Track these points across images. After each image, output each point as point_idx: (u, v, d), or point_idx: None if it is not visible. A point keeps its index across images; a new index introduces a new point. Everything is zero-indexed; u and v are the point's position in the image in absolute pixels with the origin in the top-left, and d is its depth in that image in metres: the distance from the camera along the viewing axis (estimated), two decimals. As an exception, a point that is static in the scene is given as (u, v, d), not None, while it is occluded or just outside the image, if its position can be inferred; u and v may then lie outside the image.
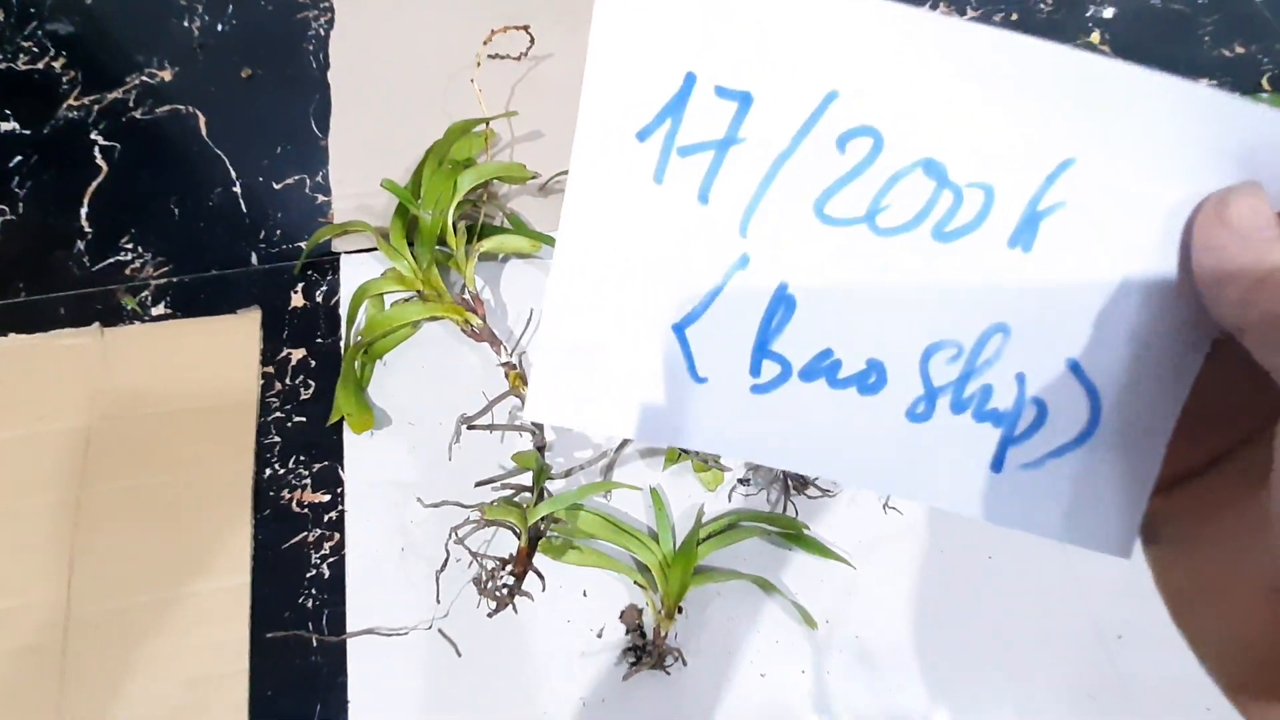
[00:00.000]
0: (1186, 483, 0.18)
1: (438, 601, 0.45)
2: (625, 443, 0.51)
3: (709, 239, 0.20)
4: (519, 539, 0.40)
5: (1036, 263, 0.19)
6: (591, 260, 0.20)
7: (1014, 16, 0.78)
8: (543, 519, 0.42)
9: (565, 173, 0.65)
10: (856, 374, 0.20)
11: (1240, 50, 0.78)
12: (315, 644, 0.45)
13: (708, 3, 0.18)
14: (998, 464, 0.21)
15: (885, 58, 0.18)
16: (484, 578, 0.39)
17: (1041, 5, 0.79)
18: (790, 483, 0.49)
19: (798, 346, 0.20)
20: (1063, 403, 0.20)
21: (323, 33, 0.68)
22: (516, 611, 0.43)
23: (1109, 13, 0.80)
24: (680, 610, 0.46)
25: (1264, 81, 0.75)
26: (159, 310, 0.56)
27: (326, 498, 0.50)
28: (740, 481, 0.50)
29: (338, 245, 0.58)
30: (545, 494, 0.44)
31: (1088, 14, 0.79)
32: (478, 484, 0.46)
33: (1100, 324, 0.19)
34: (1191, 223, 0.17)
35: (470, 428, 0.45)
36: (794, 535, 0.49)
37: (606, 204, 0.20)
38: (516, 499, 0.44)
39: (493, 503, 0.42)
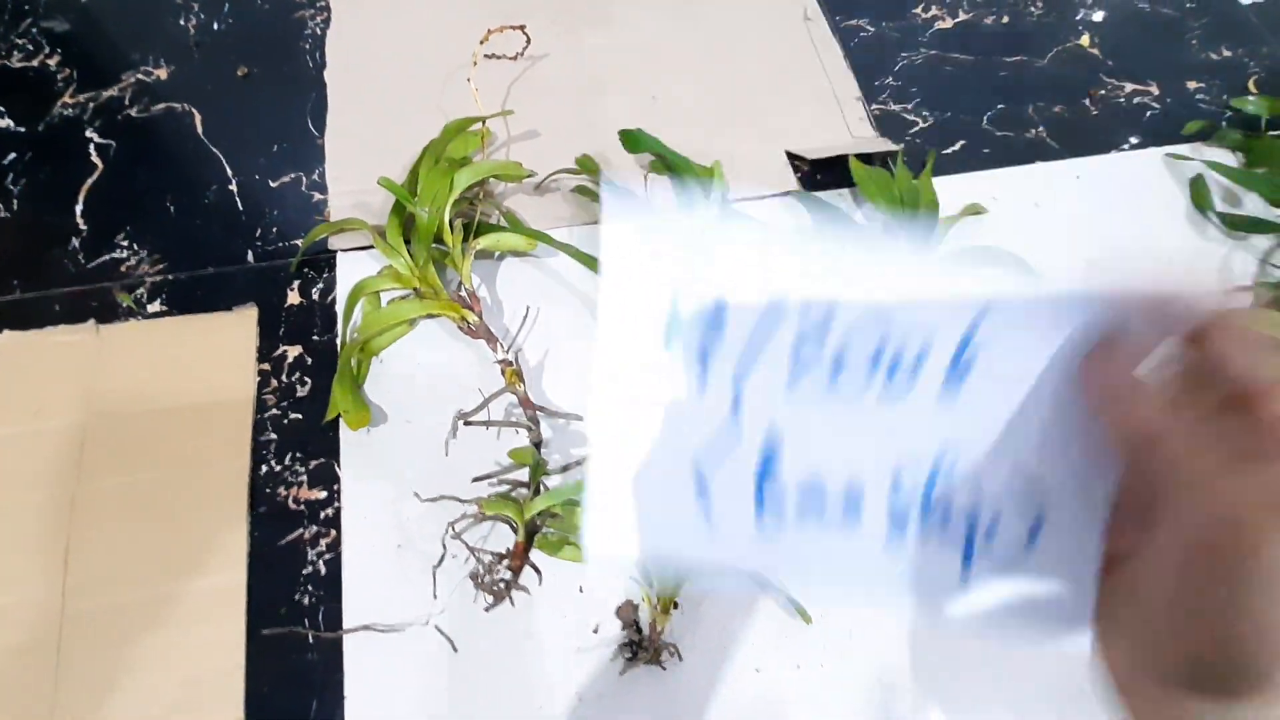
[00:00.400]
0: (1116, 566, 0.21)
1: (434, 597, 0.45)
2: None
3: (709, 418, 0.24)
4: (516, 534, 0.40)
5: (970, 400, 0.23)
6: (620, 450, 0.25)
7: (1005, 19, 0.79)
8: (539, 515, 0.42)
9: (563, 171, 0.65)
10: (840, 505, 0.24)
11: (1227, 54, 0.79)
12: (311, 640, 0.45)
13: (682, 252, 0.23)
14: (964, 577, 0.24)
15: (821, 269, 0.23)
16: (481, 572, 0.39)
17: (1032, 9, 0.80)
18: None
19: (787, 483, 0.24)
20: (1011, 517, 0.24)
21: (319, 32, 0.69)
22: (514, 605, 0.43)
23: (1098, 16, 0.81)
24: (676, 606, 0.46)
25: (1251, 84, 0.76)
26: (155, 307, 0.56)
27: (323, 494, 0.50)
28: None
29: (334, 243, 0.58)
30: (542, 489, 0.44)
31: (1077, 17, 0.80)
32: (474, 479, 0.46)
33: (1032, 446, 0.23)
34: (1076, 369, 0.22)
35: (467, 424, 0.46)
36: (789, 531, 0.50)
37: (627, 400, 0.25)
38: (513, 494, 0.44)
39: (490, 497, 0.42)
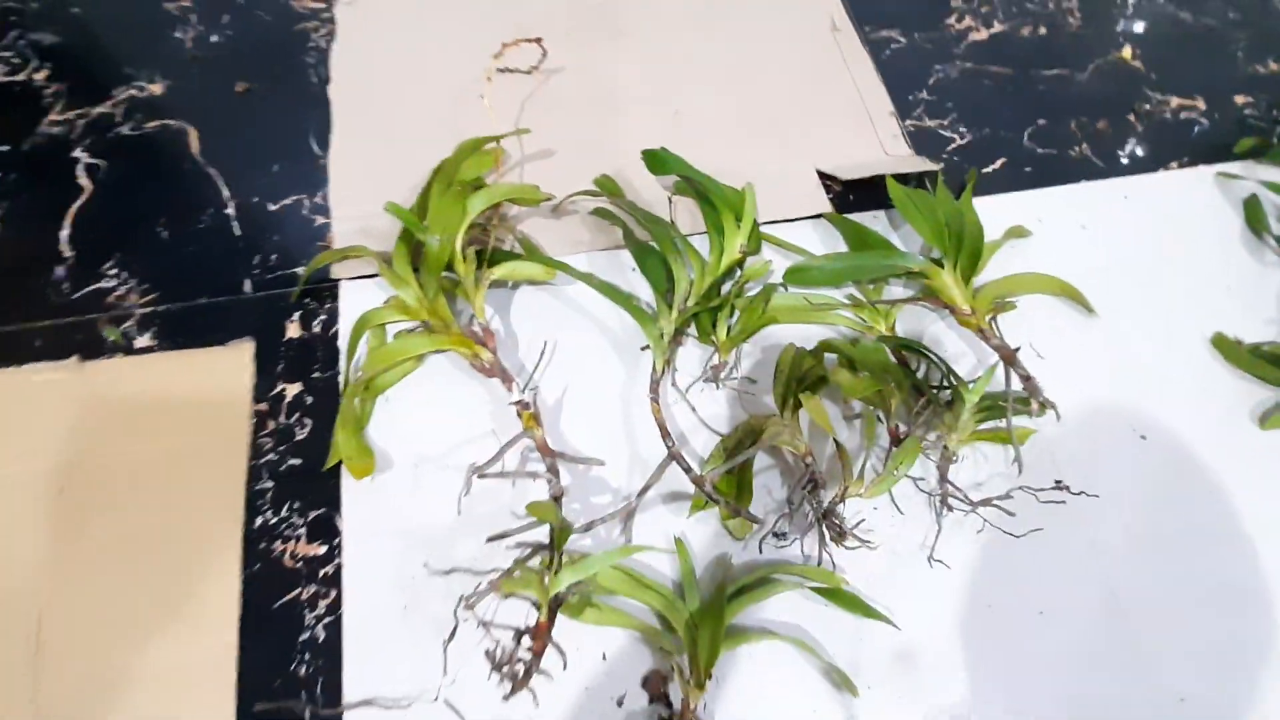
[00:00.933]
0: None
1: (444, 673, 0.41)
2: (646, 488, 0.47)
3: None
4: (539, 611, 0.36)
5: None
6: None
7: (1042, 30, 0.75)
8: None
9: (581, 193, 0.61)
10: None
11: (1275, 66, 0.75)
12: (309, 717, 0.41)
13: None
14: None
15: None
16: (498, 655, 0.35)
17: (1069, 20, 0.76)
18: (826, 531, 0.45)
19: None
20: None
21: (323, 45, 0.65)
22: (536, 699, 0.38)
23: (1139, 27, 0.77)
24: (710, 677, 0.42)
25: (1302, 99, 0.73)
26: (144, 341, 0.52)
27: (322, 550, 0.46)
28: (776, 535, 0.46)
29: (337, 271, 0.54)
30: (564, 555, 0.39)
31: (1118, 28, 0.76)
32: (489, 539, 0.42)
33: None
34: None
35: (482, 476, 0.41)
36: (832, 591, 0.45)
37: None
38: (532, 562, 0.40)
39: (511, 570, 0.37)
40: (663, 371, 0.50)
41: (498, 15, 0.68)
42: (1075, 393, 0.54)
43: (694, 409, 0.51)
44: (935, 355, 0.48)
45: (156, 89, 0.62)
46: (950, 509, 0.47)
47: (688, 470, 0.46)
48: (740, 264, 0.55)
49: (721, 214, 0.53)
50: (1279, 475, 0.53)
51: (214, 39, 0.65)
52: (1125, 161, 0.67)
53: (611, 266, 0.56)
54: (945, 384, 0.48)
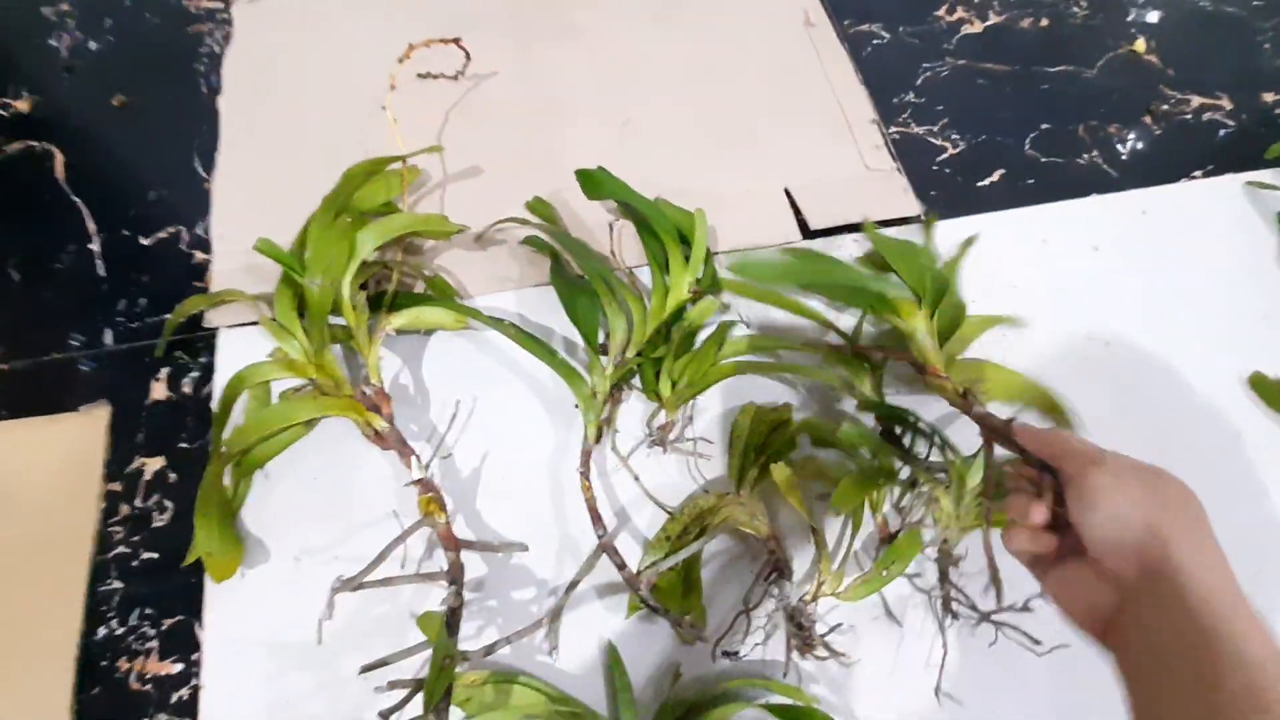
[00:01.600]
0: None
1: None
2: (574, 584, 0.39)
3: None
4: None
5: None
6: None
7: (1044, 22, 0.67)
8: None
9: (507, 220, 0.53)
10: None
11: (1306, 58, 0.67)
12: None
13: None
14: None
15: None
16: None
17: (1075, 9, 0.68)
18: (794, 640, 0.37)
19: None
20: None
21: (217, 50, 0.57)
22: None
23: (1153, 16, 0.68)
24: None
25: (1339, 95, 0.64)
26: (-16, 407, 0.43)
27: (178, 668, 0.38)
28: (725, 654, 0.38)
29: (213, 318, 0.46)
30: (448, 695, 0.31)
31: (1129, 18, 0.68)
32: (363, 669, 0.33)
33: None
34: None
35: (356, 588, 0.33)
36: (799, 711, 0.37)
37: None
38: (416, 697, 0.32)
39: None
40: (596, 439, 0.41)
41: (421, 12, 0.59)
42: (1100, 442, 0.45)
43: (637, 478, 0.43)
44: (930, 426, 0.39)
45: (23, 105, 0.54)
46: (956, 616, 0.38)
47: (621, 567, 0.38)
48: (694, 302, 0.46)
49: (667, 245, 0.45)
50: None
51: (93, 46, 0.56)
52: (1142, 171, 0.58)
53: (546, 306, 0.48)
54: (939, 462, 0.39)
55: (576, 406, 0.43)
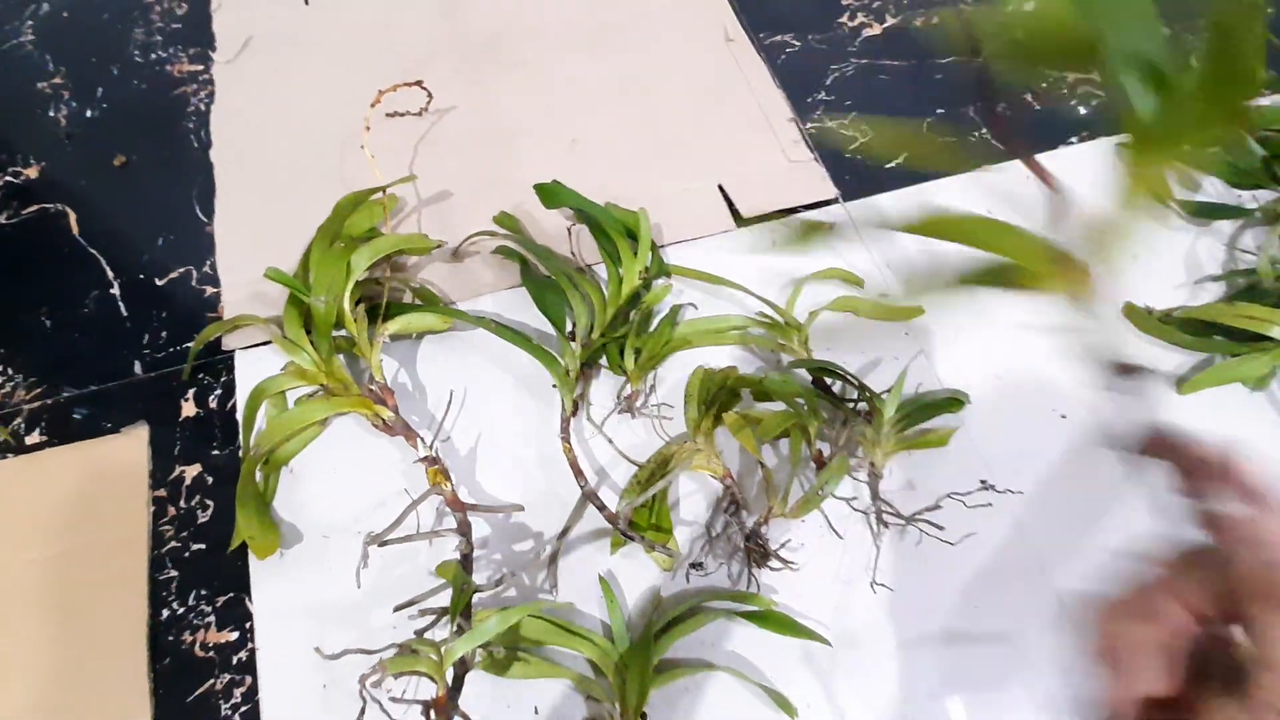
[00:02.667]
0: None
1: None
2: (566, 530, 0.46)
3: None
4: (435, 685, 0.35)
5: None
6: None
7: (935, 20, 0.76)
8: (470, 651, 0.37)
9: (480, 233, 0.60)
10: None
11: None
12: (226, 818, 0.39)
13: None
14: None
15: None
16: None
17: (962, 6, 0.77)
18: (752, 556, 0.44)
19: None
20: None
21: (203, 108, 0.63)
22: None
23: (1030, 6, 0.78)
24: (644, 717, 0.41)
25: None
26: (34, 438, 0.50)
27: (234, 636, 0.44)
28: (693, 566, 0.45)
29: (230, 342, 0.52)
30: (469, 618, 0.38)
31: (1009, 9, 0.77)
32: (396, 608, 0.40)
33: None
34: None
35: (382, 544, 0.40)
36: (762, 614, 0.44)
37: None
38: (439, 627, 0.39)
39: (406, 646, 0.36)
40: (573, 409, 0.49)
41: (381, 59, 0.67)
42: (995, 380, 0.54)
43: (610, 441, 0.50)
44: (848, 373, 0.47)
45: (32, 173, 0.60)
46: (886, 525, 0.46)
47: (602, 509, 0.45)
48: (646, 288, 0.54)
49: (617, 242, 0.52)
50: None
51: (89, 114, 0.63)
52: (1026, 141, 0.67)
53: (520, 305, 0.55)
54: (860, 399, 0.47)
55: (554, 386, 0.51)
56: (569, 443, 0.47)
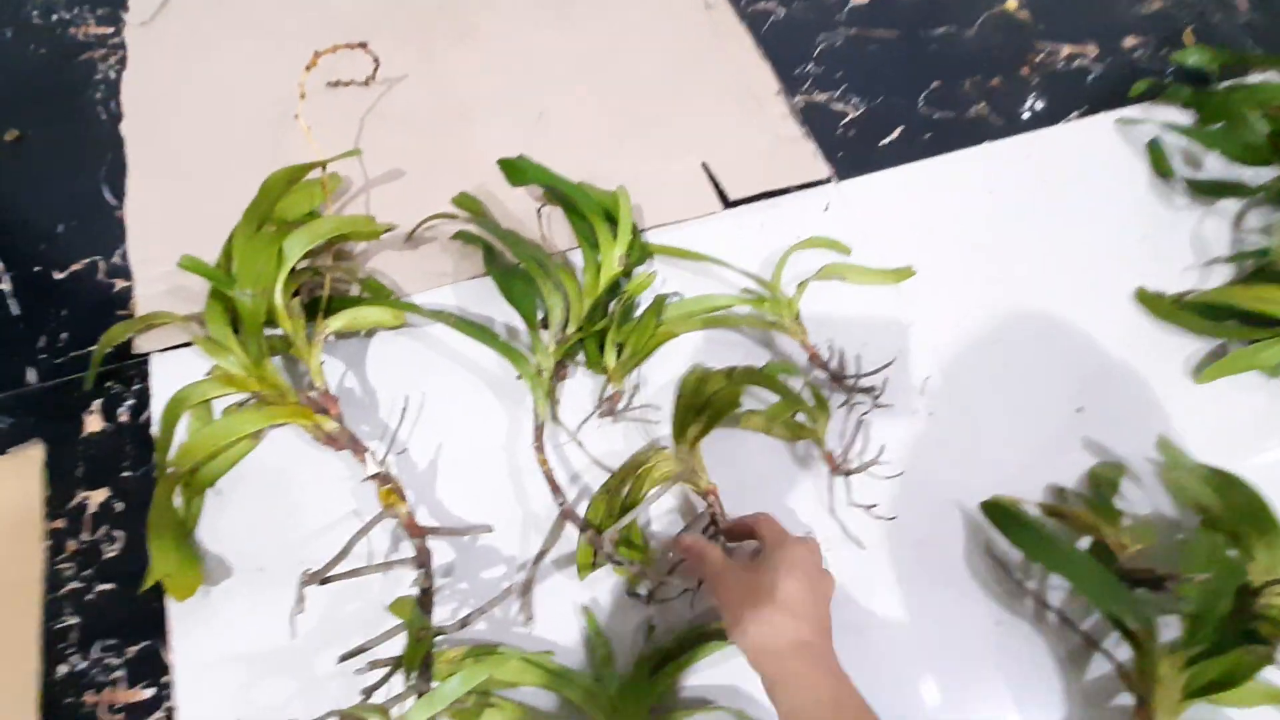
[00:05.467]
0: None
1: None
2: (542, 554, 0.40)
3: None
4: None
5: None
6: None
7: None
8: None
9: (437, 216, 0.54)
10: None
11: (1156, 5, 0.73)
12: None
13: None
14: None
15: None
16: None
17: (951, -26, 0.73)
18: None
19: None
20: None
21: (113, 76, 0.55)
22: None
23: (1021, -24, 0.74)
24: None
25: (1186, 35, 0.71)
26: (-97, 461, 0.42)
27: (148, 693, 0.37)
28: (631, 595, 0.40)
29: (143, 344, 0.45)
30: (429, 670, 0.32)
31: (1000, -21, 0.73)
32: (342, 657, 0.34)
33: None
34: None
35: (323, 582, 0.34)
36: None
37: None
38: (386, 685, 0.32)
39: (350, 716, 0.29)
40: (547, 414, 0.43)
41: (321, 23, 0.59)
42: (1008, 371, 0.49)
43: (580, 444, 0.44)
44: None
45: (-95, 149, 0.51)
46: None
47: (584, 529, 0.39)
48: (627, 276, 0.48)
49: (594, 224, 0.46)
50: (1219, 428, 0.49)
51: (-24, 81, 0.54)
52: (1025, 117, 0.63)
53: (483, 297, 0.49)
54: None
55: (519, 378, 0.44)
56: (542, 453, 0.41)
